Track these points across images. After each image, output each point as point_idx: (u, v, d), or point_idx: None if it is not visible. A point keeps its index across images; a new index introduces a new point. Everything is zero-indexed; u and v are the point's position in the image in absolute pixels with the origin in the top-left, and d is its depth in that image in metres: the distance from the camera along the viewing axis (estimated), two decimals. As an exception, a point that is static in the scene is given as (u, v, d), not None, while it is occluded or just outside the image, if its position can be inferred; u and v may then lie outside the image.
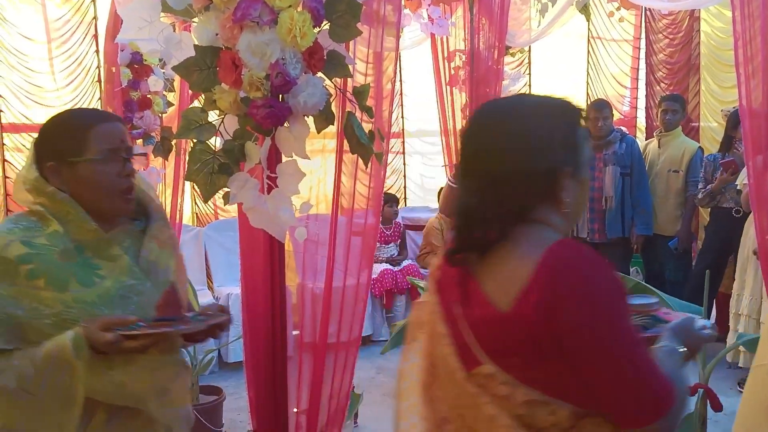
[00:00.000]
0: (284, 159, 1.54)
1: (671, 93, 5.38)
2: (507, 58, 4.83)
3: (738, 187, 3.80)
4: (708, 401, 2.62)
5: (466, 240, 1.12)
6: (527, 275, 1.03)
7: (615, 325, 1.04)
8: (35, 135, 4.34)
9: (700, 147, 4.57)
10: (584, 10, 4.25)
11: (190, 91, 3.36)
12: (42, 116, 4.35)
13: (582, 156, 1.14)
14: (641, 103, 6.68)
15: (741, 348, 3.63)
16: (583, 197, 1.16)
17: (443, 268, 1.20)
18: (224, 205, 1.62)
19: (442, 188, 5.50)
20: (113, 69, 3.03)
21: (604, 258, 1.05)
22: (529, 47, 5.97)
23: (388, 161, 5.71)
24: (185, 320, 1.34)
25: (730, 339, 4.05)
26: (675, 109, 4.59)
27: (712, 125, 6.07)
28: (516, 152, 1.07)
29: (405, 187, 6.14)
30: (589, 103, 6.58)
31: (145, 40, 1.46)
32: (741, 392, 3.89)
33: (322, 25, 1.47)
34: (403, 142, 6.03)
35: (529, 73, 6.42)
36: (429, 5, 3.97)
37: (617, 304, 1.06)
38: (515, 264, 1.06)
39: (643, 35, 6.56)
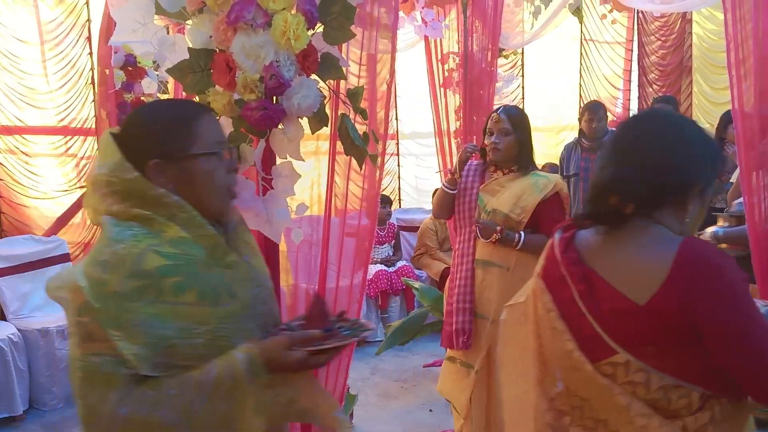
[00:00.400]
0: (279, 161, 1.54)
1: (663, 95, 5.41)
2: (500, 60, 4.86)
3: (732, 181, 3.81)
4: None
5: (599, 208, 1.27)
6: (664, 270, 1.16)
7: (750, 312, 1.16)
8: (29, 137, 4.31)
9: None
10: (577, 12, 4.28)
11: (183, 93, 3.36)
12: (35, 119, 4.35)
13: (714, 180, 1.29)
14: (634, 104, 6.73)
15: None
16: (701, 213, 1.30)
17: (547, 270, 1.38)
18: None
19: (436, 190, 5.51)
20: (107, 71, 3.04)
21: None
22: (522, 49, 6.00)
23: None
24: (337, 330, 1.25)
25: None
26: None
27: (704, 126, 6.11)
28: (676, 155, 1.24)
29: (399, 189, 6.15)
30: (582, 104, 6.62)
31: (138, 43, 1.46)
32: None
33: (316, 27, 1.47)
34: (398, 143, 6.05)
35: (523, 75, 6.45)
36: (423, 8, 3.98)
37: (747, 294, 1.18)
38: (647, 260, 1.20)
39: (636, 37, 6.60)
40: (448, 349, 2.94)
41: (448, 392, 2.98)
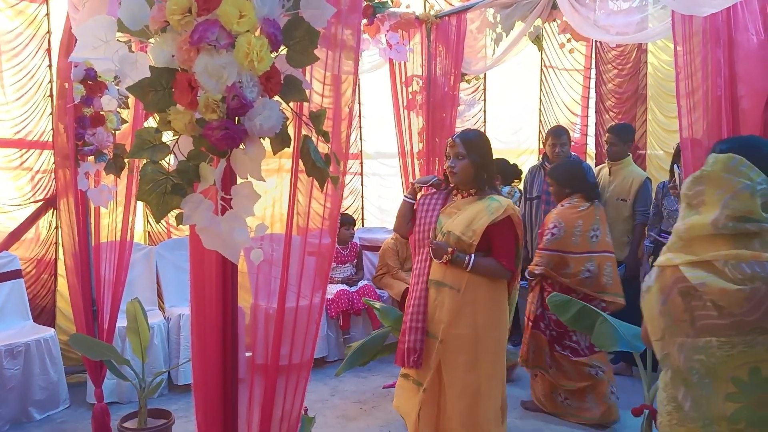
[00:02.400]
0: (239, 180, 1.54)
1: (617, 124, 5.55)
2: (463, 85, 4.93)
3: None
4: (653, 421, 2.70)
5: None
6: None
7: None
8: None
9: (647, 177, 4.73)
10: (537, 40, 4.38)
11: (143, 110, 3.33)
12: (-9, 130, 4.24)
13: None
14: (591, 130, 6.90)
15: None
16: None
17: None
18: (177, 225, 1.61)
19: None
20: (66, 85, 2.99)
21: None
22: (485, 74, 6.11)
23: (346, 182, 5.74)
24: None
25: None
26: (612, 142, 4.77)
27: (658, 153, 6.30)
28: None
29: (362, 208, 6.17)
30: (541, 129, 6.77)
31: (100, 60, 1.45)
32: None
33: (280, 50, 1.48)
34: (361, 163, 6.07)
35: (484, 99, 6.57)
36: (387, 31, 4.04)
37: None
38: None
39: (594, 65, 6.79)
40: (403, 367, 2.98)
41: (401, 408, 3.02)
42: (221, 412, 1.67)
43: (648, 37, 3.37)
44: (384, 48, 4.13)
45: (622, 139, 4.76)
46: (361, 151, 6.04)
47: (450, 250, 2.79)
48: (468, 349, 2.79)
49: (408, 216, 3.08)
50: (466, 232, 2.78)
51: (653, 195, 4.63)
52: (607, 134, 4.90)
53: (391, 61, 4.23)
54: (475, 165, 2.84)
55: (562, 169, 4.08)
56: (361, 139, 6.01)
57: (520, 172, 5.45)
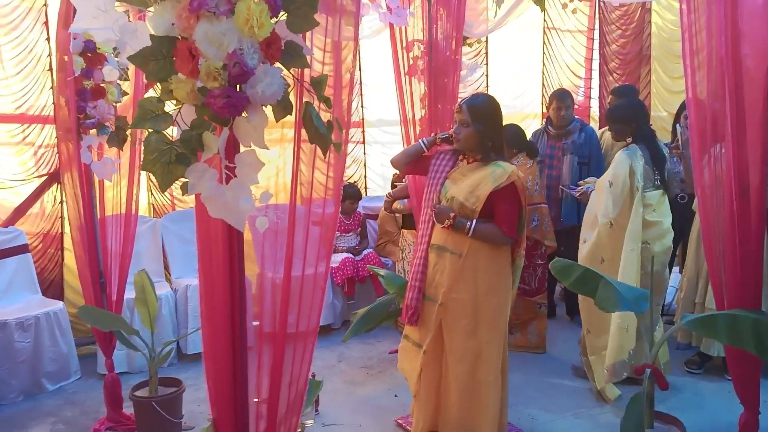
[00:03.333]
0: (242, 149, 1.53)
1: (620, 85, 5.50)
2: (465, 49, 4.87)
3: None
4: (655, 380, 2.73)
5: None
6: None
7: None
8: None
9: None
10: (539, 1, 4.32)
11: (144, 81, 3.31)
12: (-9, 106, 4.22)
13: None
14: (595, 92, 6.84)
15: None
16: None
17: None
18: (182, 195, 1.61)
19: (396, 176, 5.55)
20: (65, 57, 2.96)
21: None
22: (486, 38, 6.04)
23: (348, 151, 5.73)
24: None
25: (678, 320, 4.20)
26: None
27: (662, 114, 6.26)
28: None
29: (365, 177, 6.16)
30: (545, 92, 6.71)
31: (99, 30, 1.44)
32: (688, 371, 4.07)
33: (280, 15, 1.47)
34: (363, 131, 6.04)
35: (486, 63, 6.50)
36: (387, -5, 3.97)
37: None
38: None
39: (597, 26, 6.70)
40: (405, 327, 3.03)
41: (403, 369, 3.08)
42: (231, 379, 1.70)
43: (652, -5, 3.32)
44: (384, 12, 4.06)
45: (635, 97, 4.73)
46: (362, 119, 6.01)
47: (452, 215, 2.80)
48: (468, 314, 2.83)
49: (412, 157, 3.12)
50: (470, 198, 2.79)
51: None
52: (610, 96, 4.85)
53: (391, 25, 4.17)
54: (479, 133, 2.83)
55: (511, 133, 4.13)
56: (362, 106, 5.97)
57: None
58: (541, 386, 3.95)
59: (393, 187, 5.01)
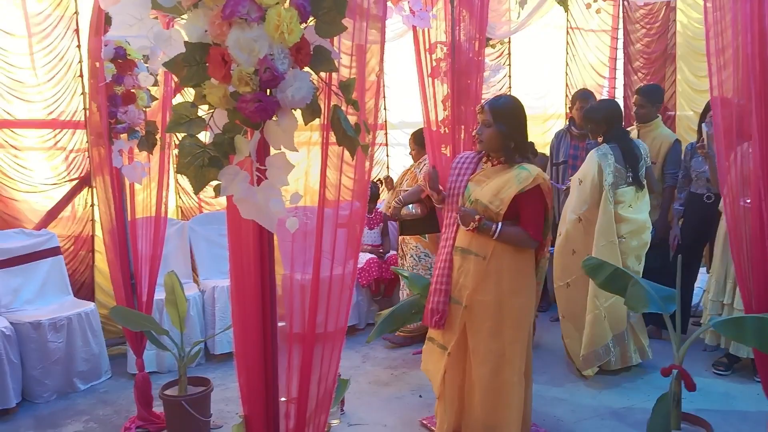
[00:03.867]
0: (273, 152, 1.57)
1: (646, 85, 5.45)
2: (487, 50, 4.89)
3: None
4: (683, 381, 2.72)
5: None
6: None
7: None
8: (18, 131, 4.32)
9: (677, 139, 4.65)
10: (562, 1, 4.32)
11: (173, 86, 3.38)
12: (24, 112, 4.34)
13: None
14: (619, 92, 6.79)
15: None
16: None
17: None
18: (216, 197, 1.65)
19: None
20: (97, 64, 3.04)
21: None
22: (509, 38, 6.03)
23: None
24: None
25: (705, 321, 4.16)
26: (641, 104, 4.68)
27: (688, 114, 6.20)
28: None
29: (388, 179, 6.17)
30: (568, 93, 6.68)
31: (134, 37, 1.49)
32: (715, 374, 4.03)
33: (309, 21, 1.50)
34: (386, 133, 6.08)
35: (509, 65, 6.49)
36: (410, -2, 4.00)
37: None
38: None
39: (621, 25, 6.65)
40: (429, 330, 3.05)
41: (427, 371, 3.10)
42: (262, 377, 1.74)
43: (677, -6, 3.30)
44: (407, 15, 4.09)
45: (651, 101, 4.67)
46: (385, 121, 6.04)
47: (477, 217, 2.81)
48: (492, 316, 2.83)
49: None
50: (494, 201, 2.79)
51: (683, 154, 4.56)
52: (635, 96, 4.81)
53: (414, 28, 4.20)
54: (501, 134, 2.83)
55: None
56: (385, 108, 6.00)
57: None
58: (566, 387, 3.94)
59: (389, 185, 5.01)
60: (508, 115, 2.85)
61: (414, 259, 4.66)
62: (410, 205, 4.60)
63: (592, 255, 3.69)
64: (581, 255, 3.78)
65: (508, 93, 6.38)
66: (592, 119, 4.12)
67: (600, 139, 4.06)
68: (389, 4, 4.05)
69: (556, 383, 4.00)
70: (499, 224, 2.78)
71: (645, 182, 4.00)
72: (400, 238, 4.80)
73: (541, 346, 4.49)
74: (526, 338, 2.93)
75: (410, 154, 4.96)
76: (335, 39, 1.73)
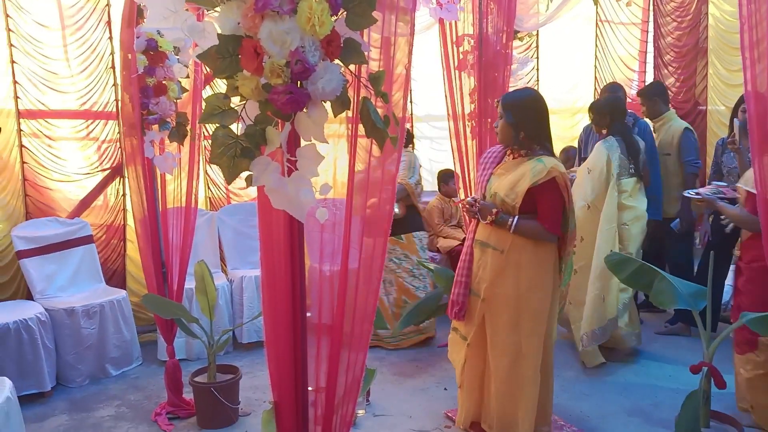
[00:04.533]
0: (303, 143, 1.59)
1: (646, 85, 5.47)
2: (515, 43, 4.85)
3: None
4: (712, 379, 2.69)
5: None
6: None
7: None
8: (52, 121, 4.43)
9: (686, 127, 4.61)
10: (593, -6, 4.26)
11: (203, 77, 3.43)
12: (57, 103, 4.43)
13: None
14: (649, 86, 6.67)
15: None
16: None
17: None
18: (246, 187, 1.68)
19: (441, 171, 5.57)
20: (129, 56, 3.09)
21: None
22: (537, 31, 5.98)
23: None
24: None
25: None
26: (642, 103, 4.79)
27: (719, 108, 6.09)
28: None
29: (414, 171, 6.17)
30: (597, 86, 6.60)
31: (169, 29, 1.52)
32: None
33: (339, 13, 1.52)
34: (412, 126, 6.07)
35: (537, 57, 6.44)
36: (438, -10, 3.99)
37: None
38: None
39: (652, 18, 6.55)
40: (453, 320, 3.09)
41: (452, 360, 3.16)
42: (292, 365, 1.77)
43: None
44: (434, 8, 4.08)
45: (648, 97, 4.76)
46: (411, 114, 6.04)
47: (495, 211, 2.82)
48: (509, 309, 2.85)
49: None
50: (510, 194, 2.80)
51: (713, 151, 4.49)
52: (639, 97, 4.85)
53: (441, 20, 4.19)
54: (510, 126, 2.85)
55: None
56: (411, 101, 6.00)
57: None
58: (593, 382, 3.92)
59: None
60: (518, 106, 2.86)
61: (395, 262, 4.58)
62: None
63: (597, 239, 3.94)
64: (588, 241, 3.99)
65: (535, 86, 6.33)
66: (597, 112, 4.28)
67: (604, 132, 4.22)
68: (417, -4, 4.05)
69: (582, 378, 3.98)
70: (516, 218, 2.79)
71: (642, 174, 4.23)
72: None
73: (567, 340, 4.46)
74: (544, 333, 2.93)
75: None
76: (365, 31, 1.74)
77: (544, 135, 2.90)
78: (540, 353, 2.91)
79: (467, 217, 3.01)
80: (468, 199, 2.98)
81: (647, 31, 6.59)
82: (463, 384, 3.08)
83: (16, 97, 4.31)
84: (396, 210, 4.43)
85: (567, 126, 6.60)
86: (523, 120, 2.84)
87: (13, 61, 4.27)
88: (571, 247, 2.97)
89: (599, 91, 5.84)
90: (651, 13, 6.54)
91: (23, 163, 4.36)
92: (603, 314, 4.00)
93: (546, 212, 2.79)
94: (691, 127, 4.68)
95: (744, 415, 3.17)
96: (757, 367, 3.05)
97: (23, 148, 4.36)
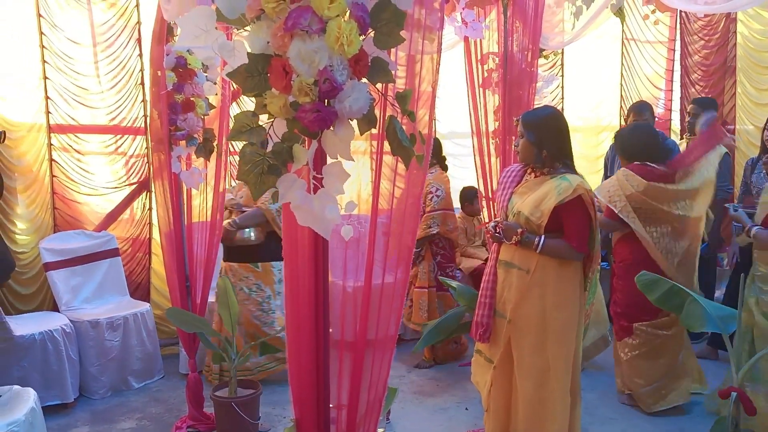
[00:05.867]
0: (329, 160, 1.60)
1: (701, 96, 5.33)
2: (540, 61, 4.84)
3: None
4: (741, 405, 2.63)
5: None
6: None
7: None
8: (81, 136, 4.52)
9: (726, 152, 4.50)
10: (619, 12, 4.25)
11: (230, 94, 3.47)
12: (87, 118, 4.52)
13: None
14: (676, 105, 6.63)
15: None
16: None
17: None
18: (273, 203, 1.69)
19: (464, 190, 5.57)
20: (159, 73, 3.14)
21: None
22: (562, 49, 5.97)
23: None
24: None
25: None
26: (696, 113, 4.57)
27: (748, 128, 6.01)
28: None
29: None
30: (623, 104, 6.56)
31: (201, 48, 1.54)
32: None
33: (368, 33, 1.53)
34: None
35: (562, 75, 6.42)
36: (463, 9, 4.01)
37: None
38: None
39: (678, 37, 6.51)
40: (476, 342, 3.03)
41: (476, 383, 3.09)
42: (314, 381, 1.76)
43: (739, 5, 3.22)
44: (459, 26, 4.09)
45: (706, 111, 4.56)
46: (435, 131, 6.05)
47: (519, 231, 2.77)
48: (535, 330, 2.79)
49: None
50: (535, 212, 2.75)
51: (742, 171, 4.42)
52: (690, 105, 4.71)
53: (466, 38, 4.20)
54: (533, 144, 2.82)
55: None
56: (435, 119, 6.01)
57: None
58: (617, 406, 3.85)
59: None
60: (538, 125, 2.83)
61: (245, 291, 4.09)
62: (248, 230, 4.02)
63: None
64: None
65: (560, 104, 6.31)
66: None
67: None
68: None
69: (606, 401, 3.91)
70: (542, 237, 2.74)
71: None
72: (226, 265, 4.16)
73: (590, 362, 4.40)
74: (572, 354, 2.86)
75: None
76: (392, 50, 1.75)
77: (565, 153, 2.86)
78: (568, 374, 2.84)
79: (492, 242, 2.95)
80: (491, 224, 2.94)
81: (674, 50, 6.54)
82: (489, 407, 3.01)
83: (48, 112, 4.40)
84: (252, 236, 4.03)
85: (592, 144, 6.55)
86: (544, 138, 2.81)
87: (45, 77, 4.37)
88: (596, 265, 2.92)
89: (625, 109, 5.80)
90: (678, 32, 6.50)
91: (53, 176, 4.45)
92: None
93: (573, 231, 2.75)
94: (728, 152, 4.56)
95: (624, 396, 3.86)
96: (633, 349, 3.74)
97: (53, 162, 4.44)
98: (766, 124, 4.13)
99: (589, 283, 2.92)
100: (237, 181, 4.36)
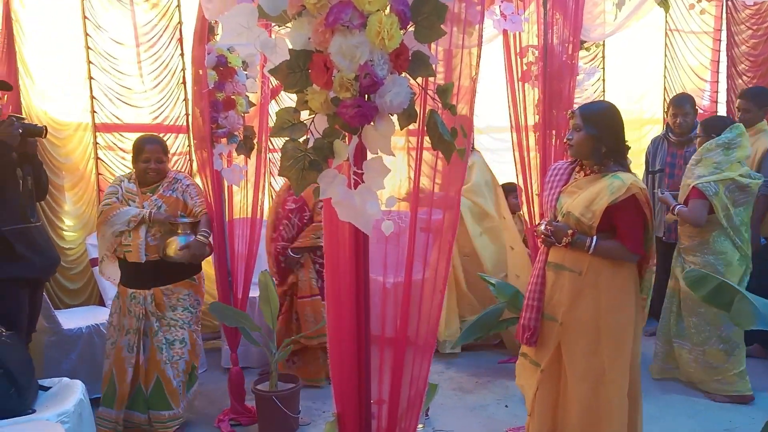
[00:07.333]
0: (369, 156, 1.60)
1: (751, 87, 5.13)
2: (581, 53, 4.75)
3: None
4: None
5: None
6: None
7: None
8: (125, 134, 4.59)
9: None
10: (663, 2, 4.13)
11: (269, 91, 3.50)
12: (131, 117, 4.62)
13: None
14: (722, 96, 6.44)
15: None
16: None
17: None
18: (314, 199, 1.70)
19: (503, 186, 5.50)
20: (200, 71, 3.19)
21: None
22: (603, 41, 5.85)
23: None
24: None
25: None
26: (746, 108, 4.36)
27: (799, 119, 5.78)
28: None
29: (474, 184, 6.12)
30: (666, 96, 6.40)
31: (243, 45, 1.56)
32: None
33: (408, 26, 1.52)
34: (474, 138, 6.03)
35: (603, 67, 6.30)
36: (502, 1, 3.96)
37: None
38: None
39: (724, 27, 6.32)
40: (522, 345, 2.94)
41: (521, 386, 3.00)
42: (356, 376, 1.77)
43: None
44: (498, 19, 4.04)
45: (758, 104, 4.36)
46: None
47: (570, 232, 2.67)
48: (589, 333, 2.68)
49: None
50: (586, 213, 2.64)
51: None
52: (738, 99, 4.52)
53: (504, 32, 4.15)
54: (592, 137, 2.69)
55: None
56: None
57: None
58: (659, 402, 3.77)
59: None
60: (600, 118, 2.72)
61: (190, 312, 3.46)
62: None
63: None
64: None
65: (601, 96, 6.19)
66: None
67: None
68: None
69: (649, 398, 3.82)
70: (594, 238, 2.63)
71: None
72: (155, 290, 3.39)
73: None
74: (629, 357, 2.74)
75: None
76: (432, 44, 1.74)
77: (623, 149, 2.77)
78: (626, 377, 2.71)
79: (542, 245, 2.84)
80: (541, 227, 2.83)
81: (720, 40, 6.35)
82: (533, 412, 2.91)
83: (93, 112, 4.52)
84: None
85: (634, 138, 6.40)
86: (606, 132, 2.69)
87: (90, 77, 4.48)
88: (652, 265, 2.80)
89: (668, 101, 5.65)
90: (724, 22, 6.31)
91: (98, 174, 4.56)
92: None
93: (627, 231, 2.64)
94: None
95: None
96: None
97: (98, 160, 4.55)
98: None
99: (645, 283, 2.80)
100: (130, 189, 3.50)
